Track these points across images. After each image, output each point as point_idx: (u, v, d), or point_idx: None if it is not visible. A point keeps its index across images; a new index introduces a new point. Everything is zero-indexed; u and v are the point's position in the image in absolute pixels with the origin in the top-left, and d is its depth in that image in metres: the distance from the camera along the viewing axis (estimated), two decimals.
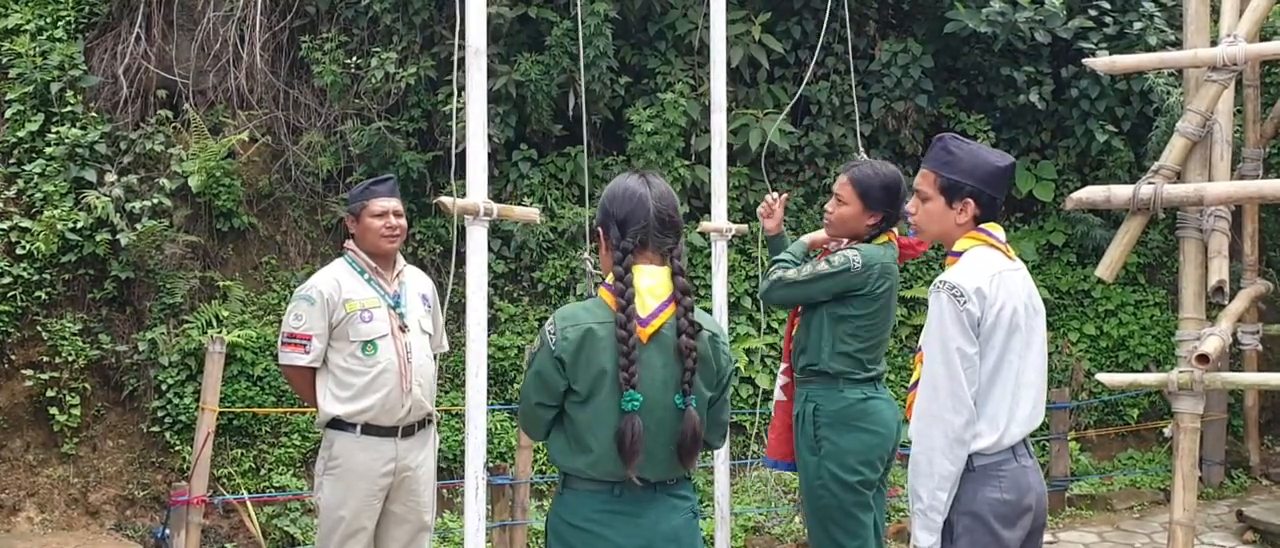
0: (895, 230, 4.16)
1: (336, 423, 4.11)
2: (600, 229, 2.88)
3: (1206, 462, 7.89)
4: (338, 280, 4.17)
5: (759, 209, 4.50)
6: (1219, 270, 4.74)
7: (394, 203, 4.27)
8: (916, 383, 2.98)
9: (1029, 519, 2.95)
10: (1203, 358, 4.61)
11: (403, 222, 4.28)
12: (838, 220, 4.11)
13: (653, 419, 2.74)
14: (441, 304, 4.43)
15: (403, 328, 4.19)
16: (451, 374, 6.94)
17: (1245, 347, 7.68)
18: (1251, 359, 7.87)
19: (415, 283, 4.39)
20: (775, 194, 4.50)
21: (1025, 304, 2.97)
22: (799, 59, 8.45)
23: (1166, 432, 4.96)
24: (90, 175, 6.66)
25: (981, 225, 3.04)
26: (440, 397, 6.67)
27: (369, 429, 4.09)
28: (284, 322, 4.18)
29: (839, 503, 3.95)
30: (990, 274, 2.93)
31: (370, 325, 4.11)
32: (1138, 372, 7.90)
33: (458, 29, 3.49)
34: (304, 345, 4.09)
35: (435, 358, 4.38)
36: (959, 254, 3.03)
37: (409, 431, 4.20)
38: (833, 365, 4.01)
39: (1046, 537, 6.86)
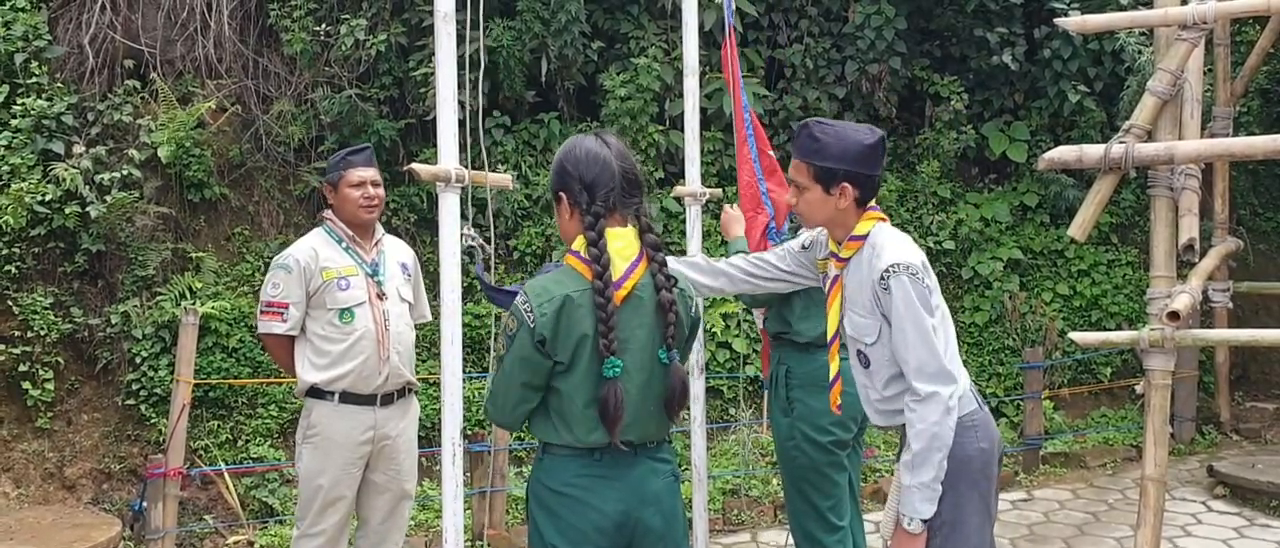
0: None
1: (315, 391, 4.12)
2: (563, 194, 2.82)
3: (1178, 418, 7.99)
4: (315, 249, 4.17)
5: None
6: (1189, 228, 4.75)
7: (371, 172, 4.26)
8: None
9: (996, 464, 3.04)
10: (1173, 315, 4.64)
11: (381, 191, 4.28)
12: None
13: (635, 381, 2.75)
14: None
15: (381, 296, 4.19)
16: (429, 343, 6.93)
17: (1216, 304, 7.78)
18: (1222, 316, 7.95)
19: (395, 251, 4.39)
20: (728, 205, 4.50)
21: None
22: (773, 22, 8.42)
23: (1138, 389, 4.99)
24: (58, 147, 6.56)
25: (864, 207, 3.05)
26: (418, 366, 6.67)
27: (347, 397, 4.10)
28: (262, 291, 4.19)
29: (811, 463, 3.99)
30: (913, 244, 2.99)
31: (347, 293, 4.11)
32: (1110, 330, 7.98)
33: None
34: (281, 314, 4.11)
35: (415, 327, 4.39)
36: (862, 237, 3.03)
37: (388, 399, 4.20)
38: (804, 335, 4.04)
39: (1022, 495, 6.96)
